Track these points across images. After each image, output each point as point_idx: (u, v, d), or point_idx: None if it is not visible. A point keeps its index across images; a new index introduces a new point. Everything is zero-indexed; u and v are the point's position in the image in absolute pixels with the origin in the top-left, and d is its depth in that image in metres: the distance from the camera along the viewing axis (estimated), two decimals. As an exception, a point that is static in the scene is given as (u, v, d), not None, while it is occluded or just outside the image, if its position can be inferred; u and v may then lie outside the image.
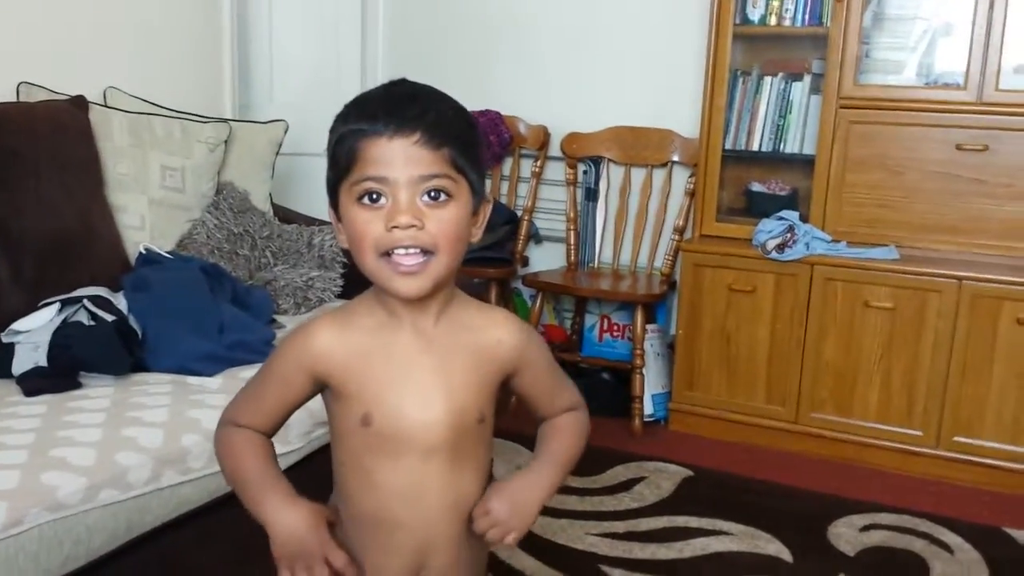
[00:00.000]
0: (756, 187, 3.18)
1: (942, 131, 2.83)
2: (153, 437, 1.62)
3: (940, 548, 2.37)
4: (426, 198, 0.93)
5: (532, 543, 2.28)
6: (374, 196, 0.93)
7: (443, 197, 0.94)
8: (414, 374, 1.00)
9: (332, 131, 0.97)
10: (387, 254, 0.94)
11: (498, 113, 3.54)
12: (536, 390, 1.12)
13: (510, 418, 1.62)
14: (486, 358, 1.05)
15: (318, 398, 1.07)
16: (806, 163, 3.03)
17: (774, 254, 2.87)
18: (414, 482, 1.01)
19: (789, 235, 2.88)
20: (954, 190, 2.84)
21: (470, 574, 1.10)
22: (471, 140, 0.98)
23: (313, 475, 1.76)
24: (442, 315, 1.03)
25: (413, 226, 0.92)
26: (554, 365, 1.14)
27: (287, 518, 0.99)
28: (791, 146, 3.08)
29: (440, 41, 3.68)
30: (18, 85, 2.33)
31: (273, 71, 3.69)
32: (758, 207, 3.13)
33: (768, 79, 3.10)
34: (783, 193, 3.13)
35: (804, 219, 2.97)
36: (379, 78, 3.83)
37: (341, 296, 2.59)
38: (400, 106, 0.92)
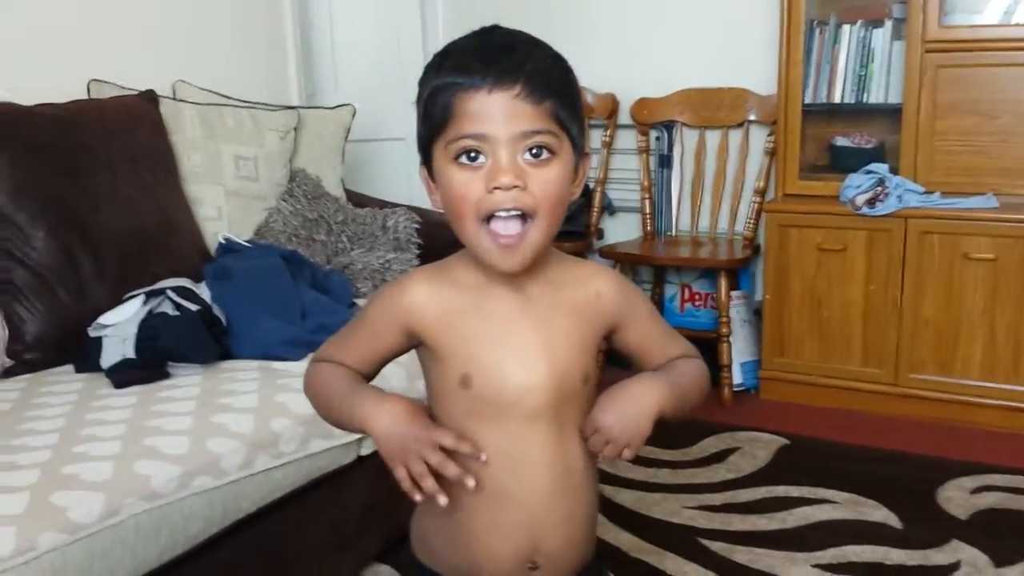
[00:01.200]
0: (840, 141, 3.04)
1: (1037, 69, 2.66)
2: (244, 423, 1.61)
3: (1061, 508, 2.24)
4: (528, 156, 0.87)
5: (627, 518, 2.22)
6: (472, 155, 0.87)
7: (546, 155, 0.88)
8: (514, 334, 0.95)
9: (423, 83, 0.92)
10: (486, 220, 0.89)
11: (565, 84, 3.47)
12: (644, 342, 1.05)
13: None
14: (587, 314, 0.99)
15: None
16: (892, 113, 2.88)
17: (865, 209, 2.74)
18: (519, 449, 0.96)
19: (879, 188, 2.75)
20: (1054, 130, 2.67)
21: (582, 557, 1.04)
22: (572, 91, 0.92)
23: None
24: (539, 273, 0.98)
25: (516, 187, 0.87)
26: (658, 316, 1.08)
27: (385, 413, 0.93)
28: (875, 96, 2.94)
29: (500, 14, 3.60)
30: (88, 83, 2.35)
31: (336, 57, 3.69)
32: (843, 162, 2.99)
33: (846, 27, 2.96)
34: (869, 146, 2.99)
35: (894, 171, 2.83)
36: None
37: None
38: (498, 56, 0.86)
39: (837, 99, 2.99)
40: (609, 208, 3.54)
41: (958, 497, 2.31)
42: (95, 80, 2.36)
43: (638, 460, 2.53)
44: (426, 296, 0.97)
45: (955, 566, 2.00)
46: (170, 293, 1.95)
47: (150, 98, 2.35)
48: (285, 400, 1.70)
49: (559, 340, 0.97)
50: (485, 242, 0.89)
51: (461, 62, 0.87)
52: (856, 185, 2.79)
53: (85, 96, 2.31)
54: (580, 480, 1.01)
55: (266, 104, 2.69)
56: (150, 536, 1.40)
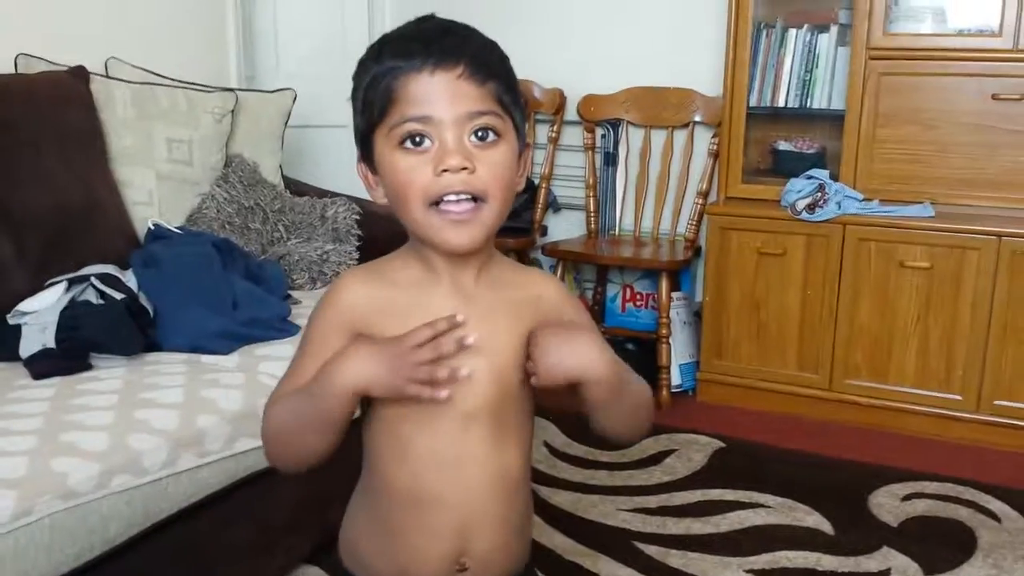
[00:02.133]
0: (783, 146, 3.06)
1: (977, 81, 2.71)
2: (168, 419, 1.54)
3: (987, 516, 2.28)
4: (474, 139, 0.85)
5: (563, 519, 2.20)
6: (418, 139, 0.85)
7: (492, 137, 0.86)
8: (478, 328, 0.91)
9: (359, 74, 0.88)
10: (435, 204, 0.86)
11: (512, 78, 3.43)
12: None
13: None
14: (527, 315, 0.96)
15: None
16: (835, 119, 2.91)
17: (805, 214, 2.77)
18: (454, 451, 0.93)
19: (820, 194, 2.77)
20: (991, 142, 2.71)
21: (514, 561, 1.01)
22: (512, 77, 0.90)
23: (339, 451, 1.70)
24: (481, 272, 0.95)
25: (464, 168, 0.84)
26: (597, 331, 1.05)
27: (351, 366, 0.87)
28: (819, 101, 2.96)
29: (448, 4, 3.55)
30: (16, 57, 2.24)
31: (278, 40, 3.58)
32: (785, 166, 3.01)
33: (793, 31, 2.98)
34: (811, 151, 3.01)
35: (835, 177, 2.86)
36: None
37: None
38: (439, 39, 0.85)
39: (781, 103, 3.01)
40: (554, 205, 3.52)
41: (889, 504, 2.34)
42: (23, 54, 2.24)
43: (575, 461, 2.52)
44: (363, 293, 0.93)
45: (886, 573, 2.02)
46: (94, 281, 1.86)
47: (80, 75, 2.24)
48: (212, 396, 1.64)
49: (499, 338, 0.95)
50: (435, 221, 0.86)
51: (400, 47, 0.85)
52: (797, 190, 2.81)
53: (12, 71, 2.19)
54: (515, 483, 0.98)
55: (203, 85, 2.59)
56: (66, 537, 1.33)
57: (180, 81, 2.54)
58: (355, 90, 0.89)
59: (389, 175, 0.87)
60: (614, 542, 2.12)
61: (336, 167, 3.52)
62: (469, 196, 0.86)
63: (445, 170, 0.84)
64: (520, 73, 3.15)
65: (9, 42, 2.24)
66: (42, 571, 1.31)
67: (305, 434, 0.91)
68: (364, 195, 3.39)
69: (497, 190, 0.87)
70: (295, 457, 0.93)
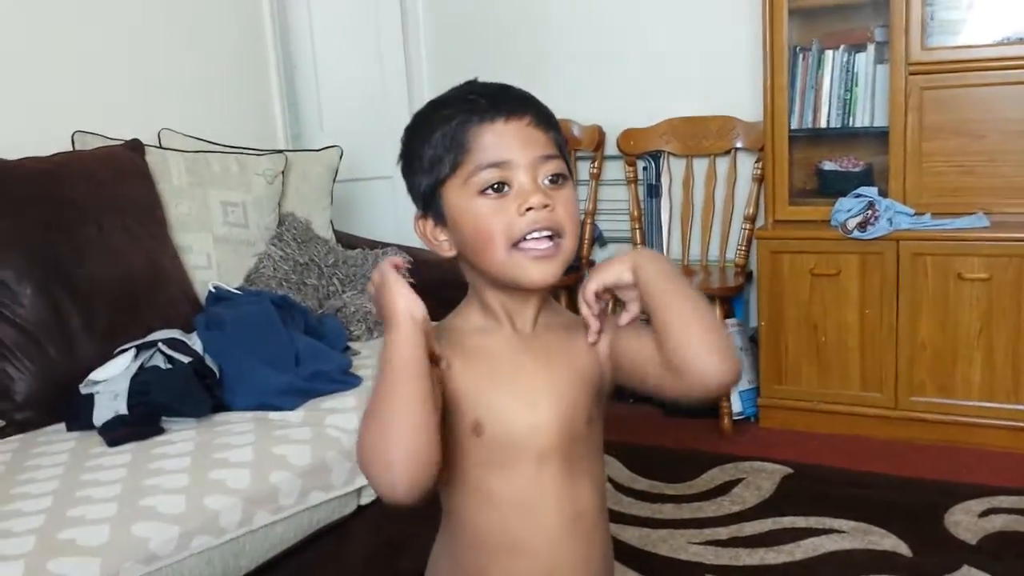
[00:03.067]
0: (828, 166, 3.05)
1: (1020, 88, 2.67)
2: (241, 478, 1.57)
3: (1069, 529, 2.21)
4: (547, 182, 0.90)
5: (633, 556, 2.18)
6: (497, 186, 0.88)
7: (561, 180, 0.92)
8: (519, 376, 0.95)
9: (417, 134, 0.93)
10: (515, 245, 0.89)
11: (550, 118, 3.47)
12: (640, 341, 0.97)
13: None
14: (585, 357, 0.98)
15: None
16: (878, 136, 2.89)
17: (856, 233, 2.74)
18: (530, 494, 0.95)
19: (870, 212, 2.75)
20: (1041, 149, 2.68)
21: None
22: (559, 127, 0.96)
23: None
24: (539, 316, 0.98)
25: (546, 206, 0.88)
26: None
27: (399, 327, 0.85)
28: (860, 120, 2.94)
29: (482, 50, 3.62)
30: (73, 134, 2.33)
31: (320, 99, 3.67)
32: (832, 186, 3.00)
33: (829, 52, 2.97)
34: (857, 169, 2.99)
35: (883, 194, 2.83)
36: (425, 94, 3.80)
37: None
38: (501, 93, 0.90)
39: (823, 124, 3.00)
40: (600, 239, 3.53)
41: (966, 521, 2.28)
42: (79, 131, 2.34)
43: (640, 495, 2.50)
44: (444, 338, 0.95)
45: (968, 593, 1.98)
46: (161, 346, 1.92)
47: (135, 147, 2.33)
48: (282, 452, 1.67)
49: (562, 380, 0.97)
50: (519, 259, 0.89)
51: (464, 104, 0.89)
52: (847, 209, 2.79)
53: (70, 148, 2.28)
54: (592, 524, 1.00)
55: (252, 149, 2.67)
56: (149, 601, 1.36)
57: (230, 146, 2.62)
58: (412, 150, 0.92)
59: (469, 223, 0.90)
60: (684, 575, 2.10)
61: (383, 216, 3.60)
62: (549, 233, 0.89)
63: (529, 208, 0.88)
64: (558, 112, 3.23)
65: (65, 121, 2.34)
66: (129, 634, 1.34)
67: (393, 404, 0.83)
68: (413, 243, 3.46)
69: (572, 226, 0.91)
70: (392, 444, 0.82)
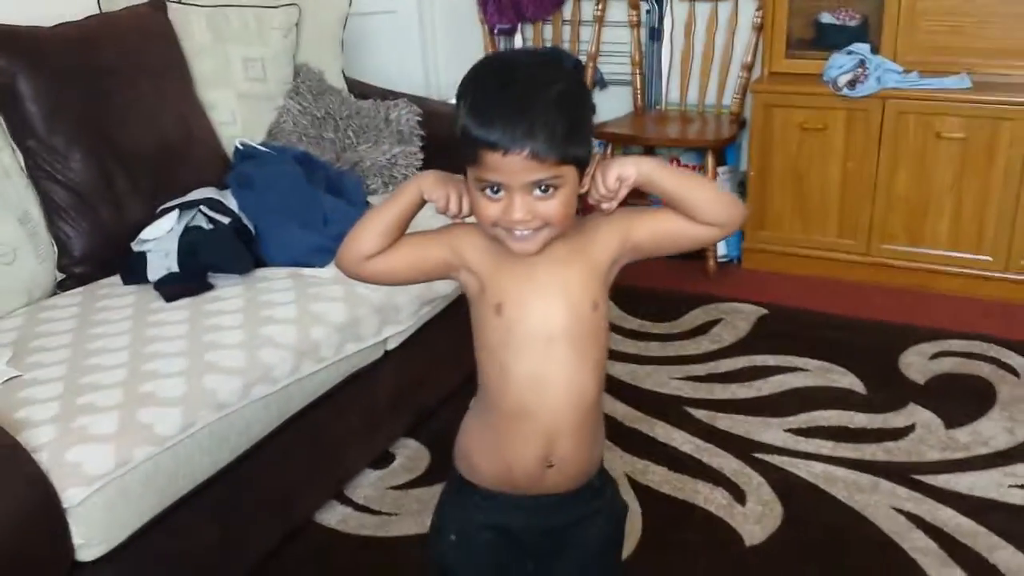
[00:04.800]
0: (826, 18, 3.13)
1: (1019, -50, 2.73)
2: (288, 333, 1.81)
3: (1007, 372, 2.51)
4: (538, 192, 1.05)
5: (622, 389, 2.49)
6: (494, 189, 1.06)
7: (551, 191, 1.06)
8: (536, 275, 1.16)
9: (459, 109, 1.05)
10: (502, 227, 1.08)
11: (555, -44, 3.49)
12: (655, 222, 1.19)
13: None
14: (595, 257, 1.19)
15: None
16: (877, -10, 2.96)
17: (845, 91, 2.88)
18: (540, 371, 1.17)
19: (860, 70, 2.87)
20: (1028, 12, 2.77)
21: (588, 463, 1.28)
22: (578, 124, 1.06)
23: (426, 345, 1.95)
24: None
25: (528, 221, 1.06)
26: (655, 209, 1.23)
27: (428, 175, 1.15)
28: (861, -27, 3.00)
29: None
30: (98, -8, 2.41)
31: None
32: (828, 39, 3.09)
33: (836, -98, 2.98)
34: (853, 23, 3.08)
35: (875, 50, 2.94)
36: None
37: (423, 168, 2.71)
38: (513, 121, 1.01)
39: (824, -25, 3.05)
40: (601, 83, 3.63)
41: (918, 363, 2.58)
42: (103, -12, 2.41)
43: (630, 334, 2.79)
44: (478, 237, 1.16)
45: (910, 428, 2.29)
46: (202, 207, 2.11)
47: (159, 6, 2.41)
48: (320, 309, 1.91)
49: (569, 276, 1.17)
50: (503, 235, 1.09)
51: (486, 120, 1.02)
52: (839, 66, 2.91)
53: (96, 9, 2.36)
54: (589, 402, 1.23)
55: (265, -3, 2.74)
56: (221, 441, 1.64)
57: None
58: (456, 113, 1.06)
59: (472, 200, 1.09)
60: (668, 408, 2.41)
61: (388, 52, 3.68)
62: (531, 229, 1.08)
63: (511, 219, 1.06)
64: None
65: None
66: (205, 469, 1.63)
67: (373, 223, 1.15)
68: (420, 91, 3.61)
69: (556, 221, 1.08)
70: (356, 244, 1.16)
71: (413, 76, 3.90)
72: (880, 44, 2.95)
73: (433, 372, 2.28)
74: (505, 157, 1.01)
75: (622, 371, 2.59)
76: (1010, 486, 2.07)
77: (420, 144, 2.74)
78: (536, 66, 1.07)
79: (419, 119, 2.77)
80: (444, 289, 2.20)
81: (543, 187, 1.05)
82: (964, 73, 2.84)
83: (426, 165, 2.72)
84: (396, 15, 3.84)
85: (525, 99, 1.03)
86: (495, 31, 3.64)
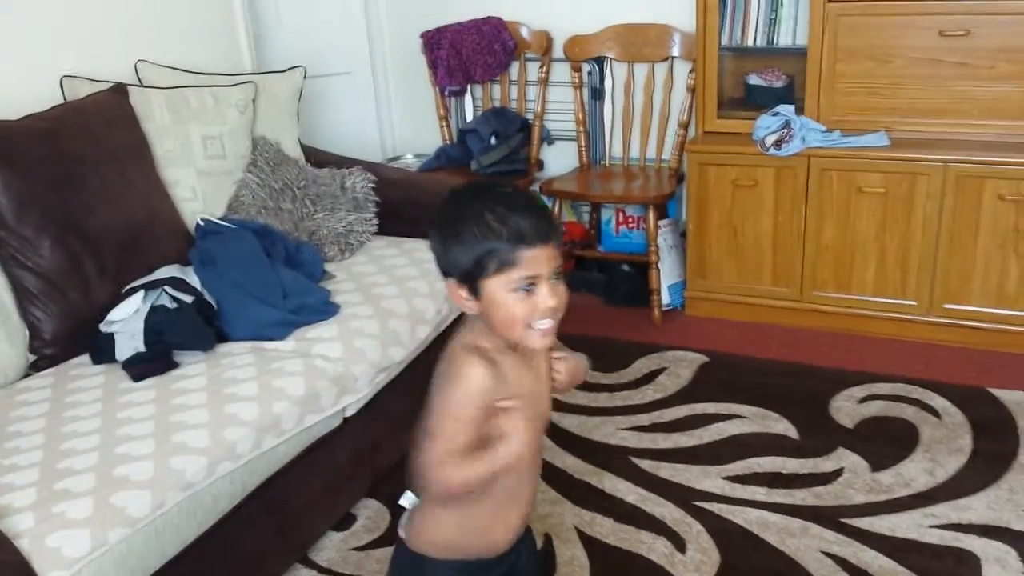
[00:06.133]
0: (754, 80, 3.33)
1: (925, 19, 2.95)
2: (251, 410, 1.93)
3: (929, 413, 2.70)
4: (553, 278, 1.23)
5: (572, 441, 2.63)
6: (528, 287, 1.20)
7: (560, 276, 1.24)
8: (536, 368, 1.34)
9: (476, 237, 1.19)
10: (530, 325, 1.23)
11: (500, 20, 3.67)
12: None
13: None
14: (544, 364, 1.38)
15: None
16: (800, 55, 3.16)
17: (772, 150, 3.07)
18: (533, 458, 1.36)
19: (786, 130, 3.07)
20: (939, 74, 2.99)
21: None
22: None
23: (382, 409, 2.06)
24: None
25: (554, 307, 1.23)
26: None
27: (519, 434, 1.24)
28: (784, 39, 3.21)
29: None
30: (61, 80, 2.53)
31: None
32: (757, 99, 3.30)
33: (759, -26, 3.19)
34: (780, 84, 3.28)
35: (800, 111, 3.14)
36: (381, -6, 3.94)
37: (378, 234, 2.85)
38: (534, 217, 1.20)
39: (751, 42, 3.26)
40: (548, 139, 3.81)
41: (847, 407, 2.76)
42: (67, 76, 2.53)
43: (582, 385, 2.94)
44: (488, 379, 1.25)
45: (839, 472, 2.45)
46: (166, 287, 2.23)
47: (120, 91, 2.53)
48: (281, 384, 2.03)
49: (544, 381, 1.37)
50: (531, 335, 1.24)
51: (513, 226, 1.18)
52: (766, 126, 3.11)
53: (60, 97, 2.48)
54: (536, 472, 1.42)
55: (223, 75, 2.87)
56: (189, 517, 1.75)
57: (202, 73, 2.82)
58: (464, 242, 1.20)
59: (503, 308, 1.21)
60: (614, 459, 2.55)
61: (342, 111, 3.84)
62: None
63: (546, 307, 1.23)
64: (508, 16, 3.54)
65: (52, 66, 2.53)
66: (174, 545, 1.74)
67: (485, 482, 1.26)
68: (378, 149, 3.79)
69: (564, 305, 1.24)
70: (462, 488, 1.27)
71: (369, 135, 4.06)
72: (804, 105, 3.15)
73: (390, 434, 2.40)
74: (543, 250, 1.19)
75: (573, 423, 2.73)
76: (929, 526, 2.24)
77: (374, 210, 2.89)
78: (501, 184, 1.32)
79: (373, 186, 2.91)
80: (398, 356, 2.33)
81: (556, 274, 1.23)
82: (883, 131, 3.05)
83: (380, 230, 2.86)
84: (352, 76, 4.00)
85: (528, 202, 1.22)
86: (446, 92, 3.80)
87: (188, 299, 2.23)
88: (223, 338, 2.24)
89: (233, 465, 1.85)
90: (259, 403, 1.97)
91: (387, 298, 2.44)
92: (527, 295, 1.21)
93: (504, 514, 1.36)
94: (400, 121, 4.10)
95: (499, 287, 1.21)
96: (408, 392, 2.46)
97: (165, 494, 1.70)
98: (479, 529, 1.35)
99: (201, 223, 2.56)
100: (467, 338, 1.29)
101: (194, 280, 2.32)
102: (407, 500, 1.43)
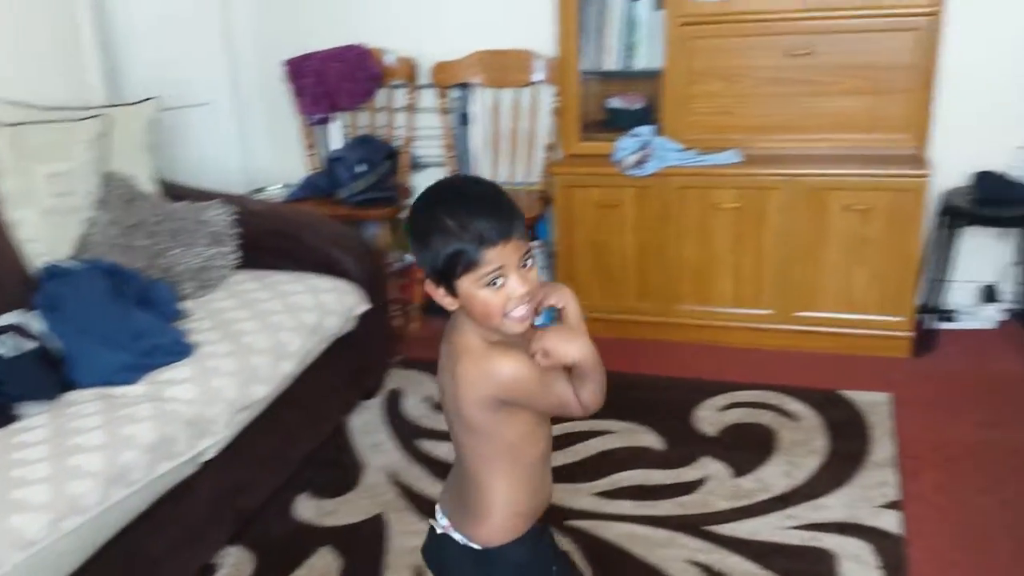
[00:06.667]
0: (615, 103, 3.42)
1: (771, 39, 3.10)
2: (95, 461, 1.85)
3: (786, 418, 2.81)
4: (522, 266, 1.29)
5: (442, 471, 2.62)
6: (496, 281, 1.27)
7: (530, 262, 1.31)
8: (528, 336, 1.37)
9: (441, 239, 1.25)
10: (507, 314, 1.29)
11: (364, 48, 3.66)
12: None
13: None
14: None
15: None
16: (657, 77, 3.27)
17: (632, 171, 3.16)
18: (550, 433, 1.48)
19: (645, 151, 3.16)
20: (786, 92, 3.14)
21: None
22: (521, 212, 1.31)
23: (245, 449, 2.03)
24: None
25: (525, 295, 1.29)
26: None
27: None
28: (641, 62, 3.31)
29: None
30: None
31: (134, 30, 3.68)
32: (618, 122, 3.38)
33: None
34: (639, 107, 3.38)
35: (658, 131, 3.24)
36: (237, 20, 3.88)
37: (241, 267, 2.79)
38: (500, 226, 1.25)
39: (610, 66, 3.34)
40: (416, 165, 3.81)
41: (710, 416, 2.85)
42: None
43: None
44: (514, 356, 1.32)
45: (702, 481, 2.53)
46: (3, 335, 2.13)
47: (-46, 128, 2.41)
48: (129, 432, 1.96)
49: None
50: (508, 322, 1.30)
51: (475, 227, 1.24)
52: (625, 148, 3.19)
53: None
54: None
55: (71, 108, 2.77)
56: (30, 578, 1.67)
57: (48, 108, 2.71)
58: (431, 247, 1.27)
59: (479, 303, 1.28)
60: (486, 483, 2.55)
61: (202, 142, 3.75)
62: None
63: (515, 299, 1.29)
64: (374, 43, 3.51)
65: None
66: (17, 606, 1.65)
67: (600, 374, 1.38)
68: (242, 183, 3.70)
69: (535, 295, 1.31)
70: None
71: (232, 167, 3.98)
72: (663, 125, 3.25)
73: (255, 475, 2.35)
74: (506, 246, 1.25)
75: (445, 451, 2.72)
76: (788, 527, 2.32)
77: (236, 243, 2.83)
78: (468, 180, 1.40)
79: (234, 218, 2.85)
80: (260, 393, 2.28)
81: (525, 262, 1.29)
82: (736, 148, 3.17)
83: (243, 263, 2.80)
84: (214, 107, 3.91)
85: (488, 201, 1.28)
86: (311, 121, 3.76)
87: (30, 345, 2.14)
88: (70, 386, 2.15)
89: (79, 520, 1.77)
90: (105, 453, 1.89)
91: (247, 334, 2.40)
92: (498, 287, 1.28)
93: (546, 470, 1.49)
94: (265, 151, 4.04)
95: (470, 284, 1.28)
96: (274, 429, 2.42)
97: (1, 554, 1.62)
98: (537, 488, 1.46)
99: (46, 265, 2.45)
100: (471, 335, 1.35)
101: (38, 326, 2.22)
102: (441, 521, 1.52)
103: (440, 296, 1.33)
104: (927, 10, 2.94)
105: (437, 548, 1.53)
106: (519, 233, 1.27)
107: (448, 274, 1.28)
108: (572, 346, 1.31)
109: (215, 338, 2.36)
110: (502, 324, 1.30)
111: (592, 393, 1.38)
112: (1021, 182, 3.12)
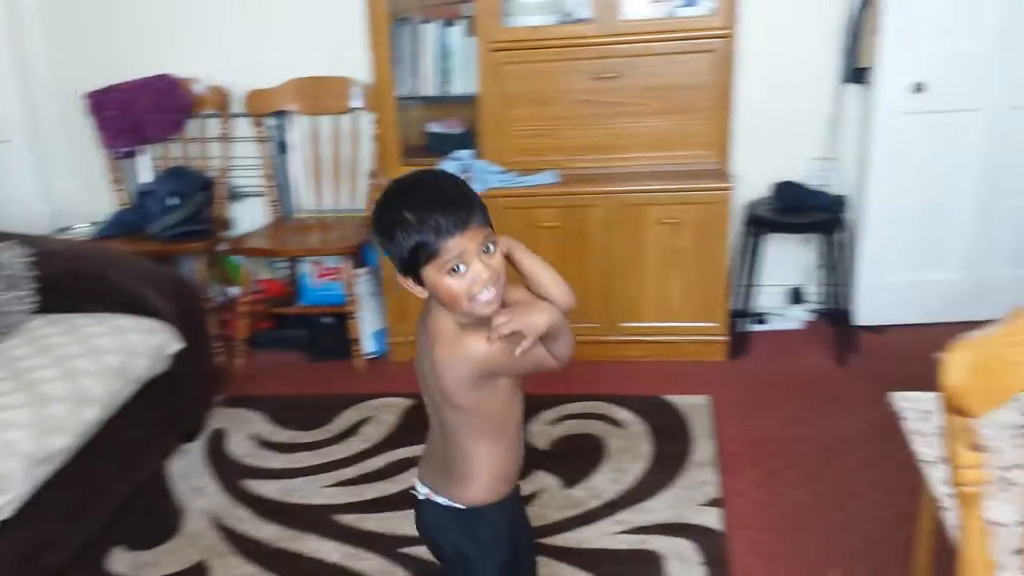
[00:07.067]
0: (434, 127, 3.44)
1: (580, 63, 3.20)
2: None
3: (614, 426, 2.88)
4: (483, 252, 1.35)
5: (271, 509, 2.54)
6: (457, 267, 1.33)
7: (492, 247, 1.37)
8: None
9: (401, 233, 1.31)
10: (473, 298, 1.36)
11: (173, 78, 3.53)
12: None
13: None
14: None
15: None
16: (473, 102, 3.31)
17: (454, 194, 3.17)
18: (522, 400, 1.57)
19: (465, 175, 3.18)
20: (597, 114, 3.25)
21: None
22: (478, 197, 1.37)
23: (48, 505, 1.90)
24: None
25: (488, 278, 1.35)
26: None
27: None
28: (457, 87, 3.35)
29: (101, 12, 3.58)
30: None
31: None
32: (439, 145, 3.40)
33: (428, 25, 3.31)
34: (458, 131, 3.41)
35: (479, 154, 3.28)
36: (39, 54, 3.68)
37: (40, 312, 2.61)
38: (457, 218, 1.31)
39: (427, 91, 3.36)
40: (234, 196, 3.70)
41: (543, 430, 2.89)
42: None
43: (281, 448, 2.86)
44: (482, 341, 1.37)
45: (536, 495, 2.55)
46: None
47: None
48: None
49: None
50: (478, 308, 1.36)
51: (432, 222, 1.30)
52: (446, 171, 3.20)
53: None
54: None
55: None
56: None
57: None
58: (395, 240, 1.33)
59: (444, 290, 1.35)
60: (317, 520, 2.49)
61: (3, 187, 3.51)
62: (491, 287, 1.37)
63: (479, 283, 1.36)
64: (183, 73, 3.37)
65: None
66: None
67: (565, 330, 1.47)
68: (46, 223, 3.51)
69: (500, 278, 1.37)
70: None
71: (33, 206, 3.74)
72: (482, 149, 3.29)
73: (61, 531, 2.19)
74: (463, 235, 1.31)
75: (272, 490, 2.64)
76: (616, 533, 2.38)
77: (34, 286, 2.64)
78: (427, 175, 1.39)
79: (30, 260, 2.67)
80: (59, 444, 2.13)
81: (487, 247, 1.35)
82: (553, 170, 3.25)
83: (41, 307, 2.62)
84: (9, 144, 3.68)
85: (445, 193, 1.33)
86: (117, 155, 3.58)
87: None
88: None
89: None
90: None
91: (45, 382, 2.23)
92: (461, 274, 1.33)
93: (521, 434, 1.59)
94: (70, 189, 3.81)
95: (434, 273, 1.34)
96: (81, 480, 2.26)
97: None
98: (516, 452, 1.58)
99: None
100: (444, 320, 1.41)
101: None
102: (422, 490, 1.63)
103: (410, 286, 1.39)
104: (720, 32, 3.12)
105: (422, 514, 1.64)
106: (477, 221, 1.33)
107: (413, 265, 1.35)
108: (540, 316, 1.38)
109: (8, 388, 2.18)
110: (471, 308, 1.36)
111: (566, 346, 1.48)
112: (818, 190, 3.35)
